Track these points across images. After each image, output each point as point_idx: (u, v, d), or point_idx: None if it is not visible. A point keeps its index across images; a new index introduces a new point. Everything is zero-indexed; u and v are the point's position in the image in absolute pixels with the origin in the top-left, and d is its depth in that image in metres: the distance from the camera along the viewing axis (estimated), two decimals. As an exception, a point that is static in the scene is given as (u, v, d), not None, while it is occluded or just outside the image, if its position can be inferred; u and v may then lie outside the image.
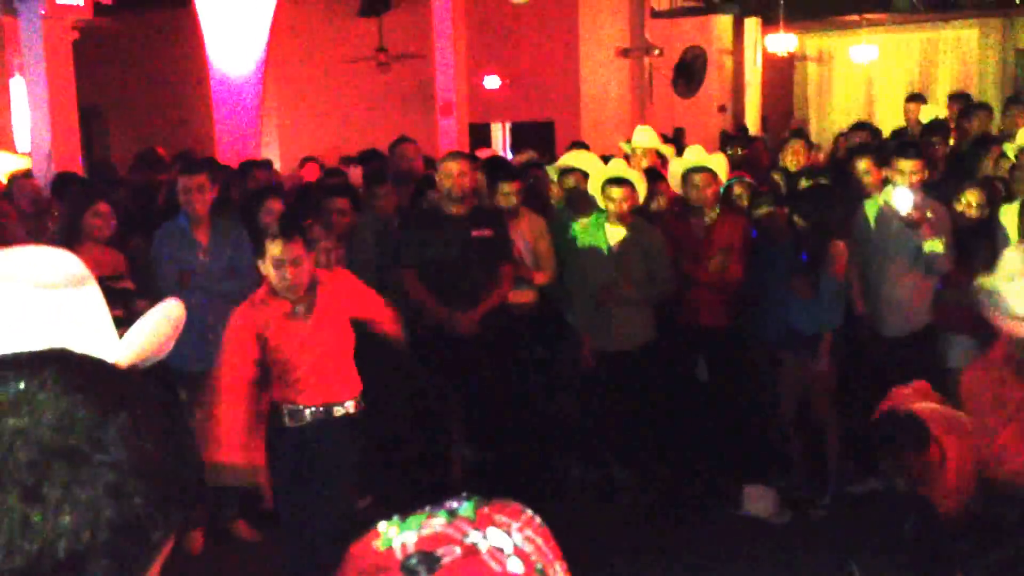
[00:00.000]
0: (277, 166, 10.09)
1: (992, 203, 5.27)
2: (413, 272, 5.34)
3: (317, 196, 5.83)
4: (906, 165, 5.15)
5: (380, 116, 13.60)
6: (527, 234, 5.72)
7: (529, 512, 0.95)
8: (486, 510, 0.93)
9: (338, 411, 4.14)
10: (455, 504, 0.94)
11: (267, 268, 4.00)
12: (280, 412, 4.12)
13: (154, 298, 5.07)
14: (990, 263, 4.95)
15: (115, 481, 0.79)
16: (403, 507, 0.95)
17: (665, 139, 9.17)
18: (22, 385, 0.80)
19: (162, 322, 1.05)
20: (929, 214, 4.92)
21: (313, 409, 4.11)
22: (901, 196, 4.88)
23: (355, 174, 7.17)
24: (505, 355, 5.58)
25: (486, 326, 5.30)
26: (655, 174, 6.27)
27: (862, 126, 8.40)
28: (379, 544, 0.91)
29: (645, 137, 7.21)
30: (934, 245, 4.88)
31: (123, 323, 1.06)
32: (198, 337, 4.86)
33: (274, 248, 3.95)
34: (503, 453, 5.78)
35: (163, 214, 5.61)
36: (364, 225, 5.73)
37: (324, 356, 4.10)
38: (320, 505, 4.12)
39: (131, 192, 6.83)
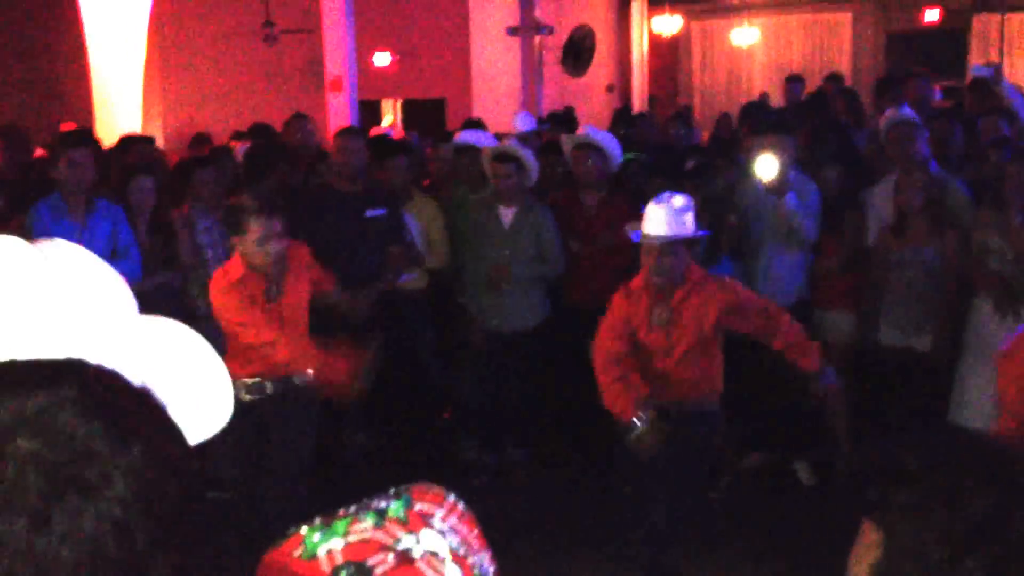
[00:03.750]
0: (160, 142, 9.77)
1: (857, 178, 5.49)
2: (303, 250, 5.24)
3: (188, 171, 5.64)
4: (777, 141, 5.30)
5: (268, 91, 13.32)
6: (419, 217, 5.70)
7: (452, 498, 0.88)
8: (416, 508, 0.85)
9: (298, 381, 4.21)
10: (383, 503, 0.85)
11: (247, 246, 4.03)
12: (236, 387, 4.08)
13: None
14: (857, 237, 5.22)
15: (121, 517, 0.74)
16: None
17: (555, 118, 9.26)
18: (39, 402, 0.75)
19: None
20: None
21: (273, 381, 4.18)
22: (764, 164, 5.04)
23: (240, 150, 7.00)
24: (399, 338, 5.55)
25: (378, 308, 5.26)
26: (556, 148, 6.31)
27: (757, 106, 8.62)
28: (301, 553, 0.82)
29: (524, 122, 7.28)
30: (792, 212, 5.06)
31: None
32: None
33: (255, 224, 3.97)
34: (397, 437, 5.77)
35: (38, 191, 5.36)
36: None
37: (289, 331, 4.15)
38: (277, 476, 4.21)
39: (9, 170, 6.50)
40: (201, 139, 8.52)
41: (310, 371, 4.20)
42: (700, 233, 4.08)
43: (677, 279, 3.96)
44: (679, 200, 3.92)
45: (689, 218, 3.93)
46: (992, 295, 4.69)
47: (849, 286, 5.25)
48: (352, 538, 0.82)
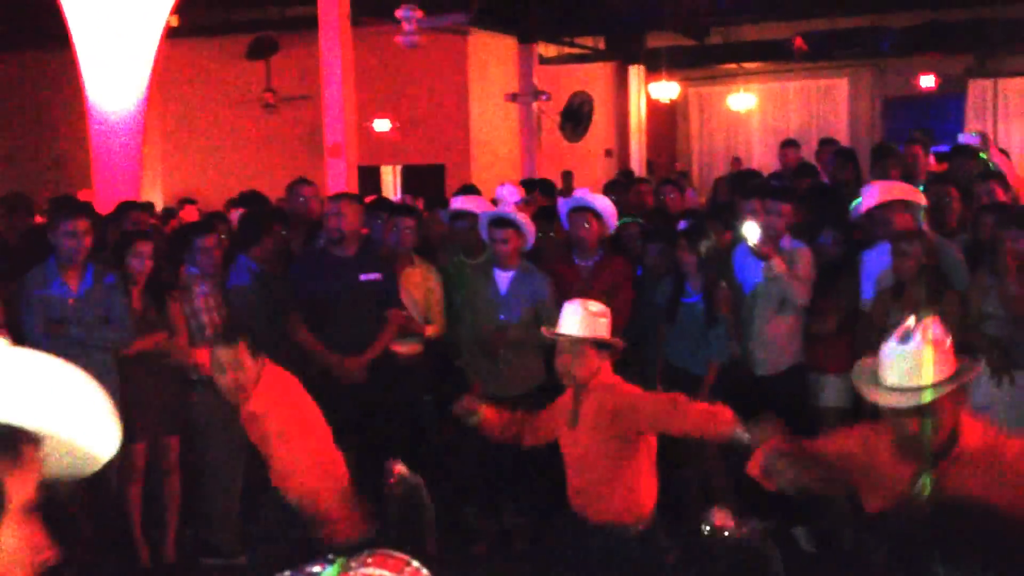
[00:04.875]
0: (159, 208, 9.83)
1: (851, 242, 5.50)
2: (298, 315, 5.24)
3: (187, 237, 5.67)
4: (772, 206, 5.31)
5: (268, 158, 13.45)
6: (418, 285, 5.68)
7: (414, 564, 0.88)
8: (358, 572, 0.85)
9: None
10: (316, 568, 0.86)
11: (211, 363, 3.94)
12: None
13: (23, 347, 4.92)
14: (852, 300, 5.21)
15: None
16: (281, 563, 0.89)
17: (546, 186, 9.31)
18: None
19: None
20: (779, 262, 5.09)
21: None
22: (749, 229, 5.06)
23: (235, 216, 7.03)
24: (395, 402, 5.51)
25: (375, 373, 5.23)
26: (552, 213, 6.33)
27: (751, 173, 8.63)
28: None
29: (509, 192, 7.32)
30: (773, 268, 5.05)
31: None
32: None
33: (216, 351, 3.88)
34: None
35: (38, 257, 5.37)
36: (242, 266, 5.62)
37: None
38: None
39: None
40: (183, 203, 8.54)
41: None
42: (609, 340, 3.81)
43: (580, 381, 3.77)
44: (594, 306, 3.81)
45: (602, 323, 3.78)
46: (988, 360, 4.66)
47: (844, 349, 5.22)
48: None
